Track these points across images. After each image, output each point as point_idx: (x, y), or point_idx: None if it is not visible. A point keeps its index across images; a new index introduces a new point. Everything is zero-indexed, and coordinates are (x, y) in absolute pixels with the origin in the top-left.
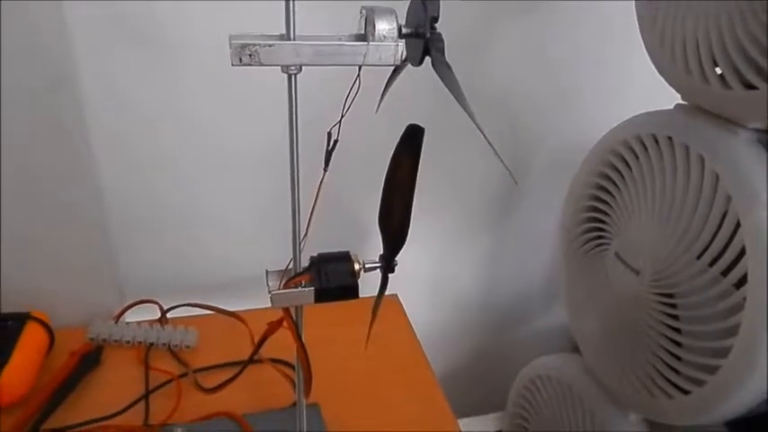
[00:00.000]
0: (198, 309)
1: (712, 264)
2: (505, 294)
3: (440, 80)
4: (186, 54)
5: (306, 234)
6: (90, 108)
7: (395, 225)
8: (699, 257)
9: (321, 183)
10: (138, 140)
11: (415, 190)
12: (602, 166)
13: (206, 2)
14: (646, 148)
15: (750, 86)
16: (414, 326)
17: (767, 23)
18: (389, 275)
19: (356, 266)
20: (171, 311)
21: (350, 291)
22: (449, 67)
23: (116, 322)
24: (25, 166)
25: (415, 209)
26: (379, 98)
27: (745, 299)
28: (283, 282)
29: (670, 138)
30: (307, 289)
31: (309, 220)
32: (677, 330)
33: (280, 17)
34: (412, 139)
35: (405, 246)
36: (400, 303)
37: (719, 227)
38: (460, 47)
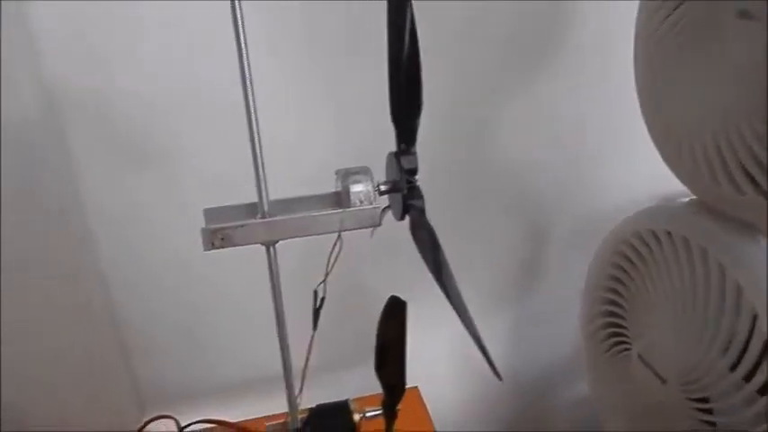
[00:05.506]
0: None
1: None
2: (532, 368)
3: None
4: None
5: (301, 390)
6: (99, 227)
7: (390, 376)
8: (731, 370)
9: (311, 344)
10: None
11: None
12: (617, 257)
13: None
14: (660, 242)
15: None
16: (437, 411)
17: None
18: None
19: (356, 417)
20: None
21: None
22: (428, 229)
23: None
24: (48, 297)
25: (434, 289)
26: None
27: None
28: None
29: (686, 238)
30: None
31: (303, 379)
32: None
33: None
34: (395, 312)
35: (426, 329)
36: (421, 397)
37: (749, 340)
38: (470, 117)
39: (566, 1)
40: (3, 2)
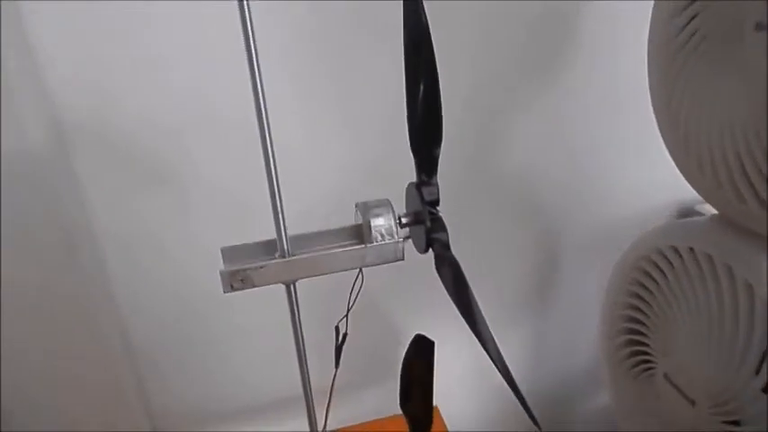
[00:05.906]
0: None
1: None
2: (549, 381)
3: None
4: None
5: (324, 429)
6: (108, 247)
7: (414, 411)
8: (764, 391)
9: (334, 380)
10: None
11: None
12: (637, 273)
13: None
14: (682, 259)
15: None
16: (456, 429)
17: None
18: None
19: None
20: None
21: None
22: (453, 265)
23: None
24: (59, 323)
25: (450, 306)
26: None
27: None
28: None
29: (710, 255)
30: None
31: (326, 417)
32: None
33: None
34: (422, 350)
35: (443, 347)
36: (441, 417)
37: None
38: (481, 127)
39: (580, 2)
40: (4, 29)
